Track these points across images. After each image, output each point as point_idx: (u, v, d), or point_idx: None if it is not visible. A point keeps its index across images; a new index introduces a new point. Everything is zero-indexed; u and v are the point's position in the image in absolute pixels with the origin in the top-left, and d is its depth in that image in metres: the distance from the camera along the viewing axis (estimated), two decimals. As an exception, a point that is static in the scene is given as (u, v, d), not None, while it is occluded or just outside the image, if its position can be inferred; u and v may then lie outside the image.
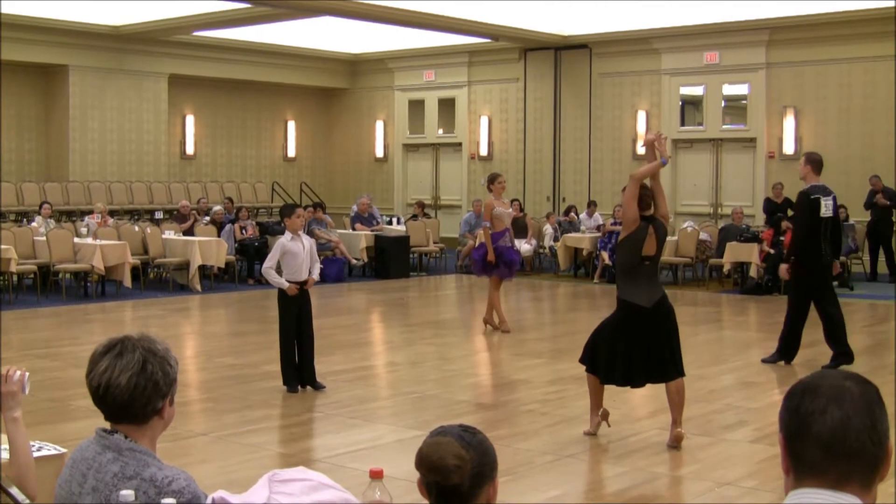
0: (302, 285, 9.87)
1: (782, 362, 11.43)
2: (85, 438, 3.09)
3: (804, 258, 11.05)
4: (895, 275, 19.59)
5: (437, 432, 2.69)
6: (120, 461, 2.92)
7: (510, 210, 13.92)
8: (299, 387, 9.89)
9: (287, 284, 9.79)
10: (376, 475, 2.94)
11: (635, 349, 7.81)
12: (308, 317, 9.99)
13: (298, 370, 9.90)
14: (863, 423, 2.04)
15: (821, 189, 10.99)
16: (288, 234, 9.91)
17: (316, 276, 10.06)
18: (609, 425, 8.19)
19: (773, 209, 19.68)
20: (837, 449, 2.02)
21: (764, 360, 11.56)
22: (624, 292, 7.92)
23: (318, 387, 9.90)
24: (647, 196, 7.82)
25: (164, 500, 2.71)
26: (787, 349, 11.45)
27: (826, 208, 10.91)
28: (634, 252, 7.81)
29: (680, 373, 7.91)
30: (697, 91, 23.54)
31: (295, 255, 9.82)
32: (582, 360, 8.20)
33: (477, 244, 14.43)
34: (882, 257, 19.87)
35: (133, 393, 2.91)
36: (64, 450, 4.50)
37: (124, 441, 2.94)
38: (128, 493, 2.68)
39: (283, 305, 9.94)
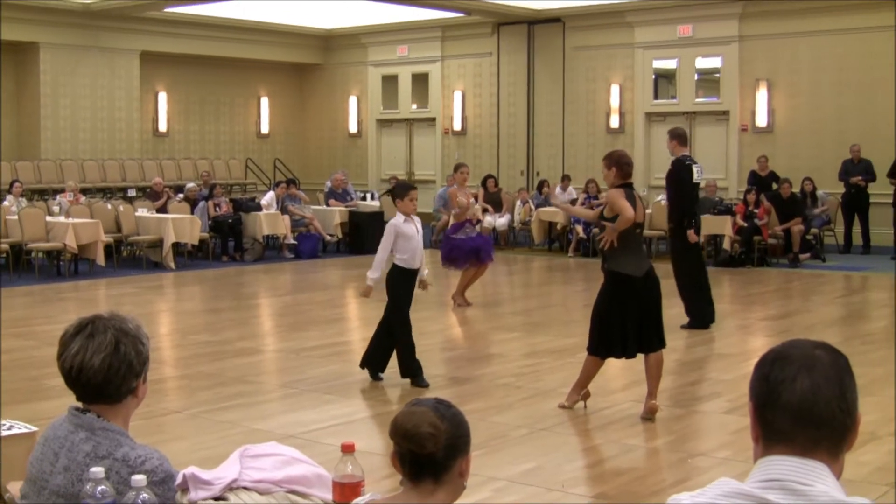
0: (416, 274, 9.08)
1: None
2: (57, 417, 3.07)
3: (680, 220, 11.86)
4: (868, 246, 19.67)
5: (413, 403, 2.71)
6: (92, 441, 2.90)
7: (472, 200, 14.00)
8: (377, 372, 9.29)
9: (373, 282, 8.97)
10: (347, 449, 2.95)
11: (629, 320, 7.82)
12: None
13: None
14: (832, 391, 2.05)
15: (690, 158, 11.89)
16: (400, 216, 8.96)
17: (426, 274, 9.30)
18: (586, 406, 8.20)
19: (758, 182, 19.77)
20: (807, 417, 2.04)
21: (683, 327, 11.89)
22: (615, 264, 7.87)
23: (377, 377, 9.35)
24: (627, 165, 7.85)
25: (134, 477, 2.69)
26: (701, 313, 11.93)
27: (697, 175, 11.76)
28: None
29: (662, 344, 7.95)
30: (671, 64, 23.55)
31: (409, 238, 8.91)
32: (588, 349, 8.07)
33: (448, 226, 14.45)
34: (857, 228, 19.90)
35: (108, 374, 2.88)
36: (35, 428, 4.47)
37: (97, 420, 2.92)
38: (98, 471, 2.67)
39: (396, 287, 9.03)
